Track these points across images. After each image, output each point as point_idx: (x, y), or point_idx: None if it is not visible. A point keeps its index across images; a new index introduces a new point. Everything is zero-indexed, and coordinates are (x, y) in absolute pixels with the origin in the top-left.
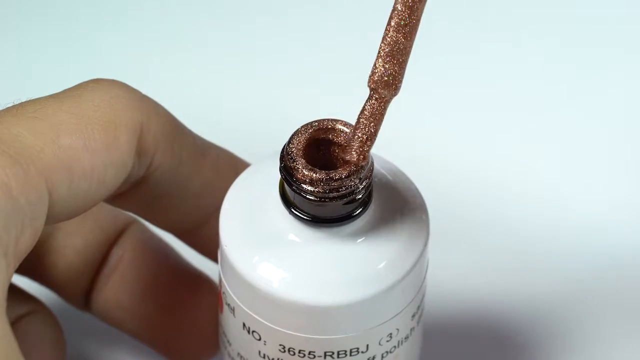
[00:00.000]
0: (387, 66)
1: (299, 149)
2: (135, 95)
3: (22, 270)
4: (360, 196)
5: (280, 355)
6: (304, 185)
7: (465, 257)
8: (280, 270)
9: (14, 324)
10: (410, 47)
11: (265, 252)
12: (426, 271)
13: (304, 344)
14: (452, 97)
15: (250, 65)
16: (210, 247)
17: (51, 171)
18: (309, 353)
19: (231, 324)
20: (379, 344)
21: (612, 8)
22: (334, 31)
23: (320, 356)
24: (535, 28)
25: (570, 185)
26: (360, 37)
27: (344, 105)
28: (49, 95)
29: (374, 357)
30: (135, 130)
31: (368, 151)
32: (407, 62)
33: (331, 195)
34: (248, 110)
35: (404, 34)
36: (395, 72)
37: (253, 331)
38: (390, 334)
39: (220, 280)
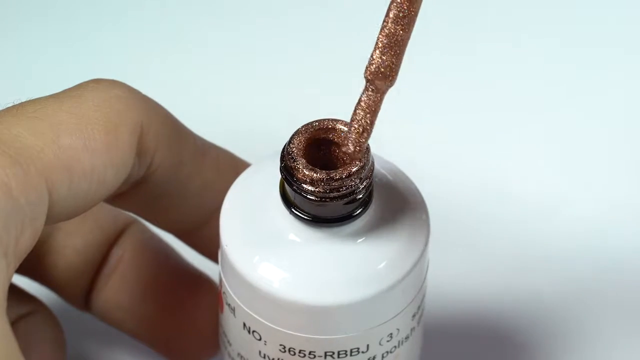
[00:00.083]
0: (384, 57)
1: (300, 149)
2: (135, 95)
3: (22, 270)
4: (360, 196)
5: (281, 355)
6: (305, 185)
7: (466, 257)
8: (280, 270)
9: (14, 323)
10: (408, 39)
11: (265, 252)
12: (426, 271)
13: (304, 344)
14: (453, 97)
15: (250, 65)
16: (210, 247)
17: (51, 171)
18: (310, 353)
19: (231, 324)
20: (380, 344)
21: (612, 8)
22: (334, 31)
23: (321, 356)
24: (535, 28)
25: (570, 185)
26: (360, 37)
27: (344, 105)
28: (49, 95)
29: (374, 357)
30: (136, 130)
31: (365, 142)
32: (404, 54)
33: (332, 195)
34: (248, 110)
35: (402, 25)
36: (392, 64)
37: (253, 331)
38: (391, 334)
39: (220, 280)
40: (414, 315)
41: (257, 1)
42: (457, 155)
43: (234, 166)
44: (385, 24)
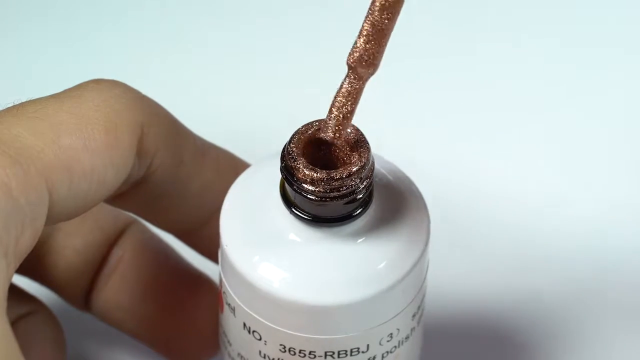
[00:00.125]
0: (367, 46)
1: (300, 149)
2: (135, 95)
3: (22, 270)
4: (360, 196)
5: (281, 355)
6: (305, 185)
7: (466, 257)
8: (280, 270)
9: (14, 323)
10: (392, 28)
11: (265, 251)
12: (426, 271)
13: (304, 344)
14: (453, 97)
15: (250, 65)
16: (210, 247)
17: (51, 171)
18: (310, 353)
19: (231, 324)
20: (380, 343)
21: (612, 8)
22: (334, 31)
23: (321, 356)
24: (535, 28)
25: (571, 185)
26: None
27: None
28: (49, 96)
29: (374, 357)
30: (136, 130)
31: (344, 130)
32: (387, 42)
33: (332, 194)
34: (248, 111)
35: (388, 14)
36: (376, 52)
37: (253, 331)
38: (391, 334)
39: (220, 280)
40: (414, 315)
41: (257, 1)
42: (457, 155)
43: (234, 166)
44: (370, 12)
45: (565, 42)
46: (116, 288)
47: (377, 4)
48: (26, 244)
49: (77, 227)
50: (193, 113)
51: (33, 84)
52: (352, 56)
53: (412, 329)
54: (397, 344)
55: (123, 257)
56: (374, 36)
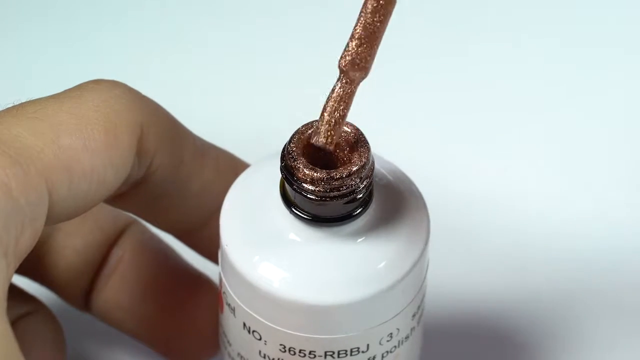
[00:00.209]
0: (359, 49)
1: (300, 149)
2: (135, 96)
3: (22, 270)
4: (360, 195)
5: (281, 355)
6: (305, 185)
7: (466, 257)
8: (280, 269)
9: (14, 323)
10: (384, 30)
11: (265, 251)
12: (426, 271)
13: (304, 344)
14: (453, 97)
15: (250, 65)
16: (210, 248)
17: (51, 171)
18: (310, 353)
19: (231, 324)
20: (380, 343)
21: (612, 8)
22: (334, 31)
23: (321, 356)
24: (535, 28)
25: (571, 185)
26: None
27: None
28: (49, 96)
29: (374, 357)
30: (136, 130)
31: (337, 135)
32: (379, 45)
33: (332, 194)
34: (248, 110)
35: (380, 17)
36: (368, 55)
37: (253, 331)
38: (391, 333)
39: (220, 280)
40: (414, 315)
41: (257, 1)
42: (457, 155)
43: (233, 166)
44: (362, 15)
45: (565, 42)
46: (116, 288)
47: (369, 6)
48: (26, 244)
49: (77, 227)
50: (193, 113)
51: (33, 84)
52: (344, 59)
53: (412, 329)
54: (397, 344)
55: (123, 257)
56: (366, 39)
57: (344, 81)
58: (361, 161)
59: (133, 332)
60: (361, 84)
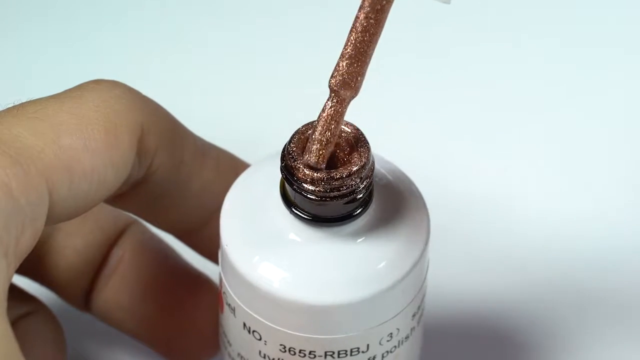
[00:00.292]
0: (349, 68)
1: (300, 149)
2: (135, 96)
3: (22, 270)
4: (360, 196)
5: (281, 355)
6: (305, 185)
7: (466, 257)
8: (280, 269)
9: (14, 323)
10: (373, 50)
11: (265, 251)
12: (426, 271)
13: (304, 344)
14: (452, 97)
15: (250, 65)
16: (210, 248)
17: (52, 171)
18: (310, 353)
19: (231, 324)
20: (380, 343)
21: (612, 8)
22: (334, 31)
23: (321, 356)
24: (535, 28)
25: (571, 185)
26: None
27: None
28: (49, 96)
29: (374, 357)
30: (136, 130)
31: (328, 153)
32: (368, 64)
33: (332, 194)
34: (248, 110)
35: (369, 36)
36: (358, 75)
37: (253, 331)
38: (391, 333)
39: (220, 280)
40: (414, 315)
41: (257, 1)
42: (457, 154)
43: (234, 166)
44: (352, 34)
45: (565, 42)
46: (116, 288)
47: (359, 25)
48: (26, 244)
49: (78, 227)
50: (193, 113)
51: (33, 84)
52: (334, 79)
53: (412, 329)
54: (397, 344)
55: (123, 257)
56: (356, 58)
57: (334, 100)
58: (361, 161)
59: (133, 332)
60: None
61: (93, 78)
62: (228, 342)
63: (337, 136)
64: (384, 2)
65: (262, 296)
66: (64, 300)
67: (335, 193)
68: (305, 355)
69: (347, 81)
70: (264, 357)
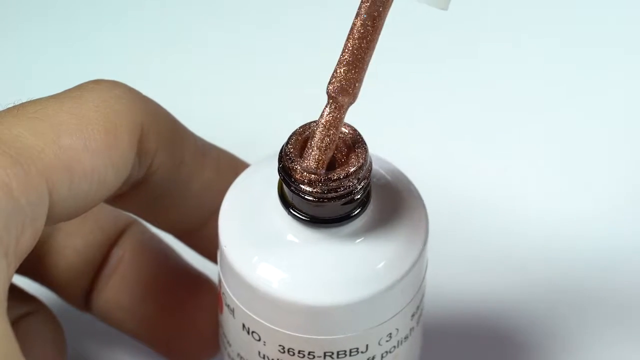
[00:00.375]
0: (347, 75)
1: (297, 150)
2: (135, 96)
3: (22, 270)
4: (358, 196)
5: (280, 355)
6: (303, 186)
7: (465, 257)
8: (279, 270)
9: (15, 323)
10: (371, 56)
11: (264, 252)
12: (425, 271)
13: (303, 345)
14: (452, 97)
15: (250, 65)
16: (210, 248)
17: (52, 171)
18: (309, 353)
19: (231, 325)
20: (379, 344)
21: (612, 8)
22: (334, 31)
23: (320, 356)
24: (535, 28)
25: (571, 185)
26: None
27: None
28: (49, 96)
29: (373, 357)
30: (136, 131)
31: (327, 159)
32: (366, 70)
33: (329, 195)
34: (247, 111)
35: (366, 42)
36: (354, 80)
37: (253, 332)
38: (390, 333)
39: (219, 280)
40: (413, 315)
41: (257, 1)
42: (456, 154)
43: (233, 167)
44: (349, 40)
45: (565, 42)
46: (116, 288)
47: (356, 32)
48: (26, 244)
49: (78, 227)
50: (193, 113)
51: (33, 84)
52: (332, 85)
53: (411, 329)
54: (396, 344)
55: (123, 257)
56: (354, 65)
57: (332, 107)
58: (359, 162)
59: (133, 332)
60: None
61: (93, 78)
62: (228, 342)
63: (335, 142)
64: (381, 9)
65: (261, 297)
66: (64, 300)
67: (333, 194)
68: (304, 355)
69: (345, 87)
70: (264, 358)
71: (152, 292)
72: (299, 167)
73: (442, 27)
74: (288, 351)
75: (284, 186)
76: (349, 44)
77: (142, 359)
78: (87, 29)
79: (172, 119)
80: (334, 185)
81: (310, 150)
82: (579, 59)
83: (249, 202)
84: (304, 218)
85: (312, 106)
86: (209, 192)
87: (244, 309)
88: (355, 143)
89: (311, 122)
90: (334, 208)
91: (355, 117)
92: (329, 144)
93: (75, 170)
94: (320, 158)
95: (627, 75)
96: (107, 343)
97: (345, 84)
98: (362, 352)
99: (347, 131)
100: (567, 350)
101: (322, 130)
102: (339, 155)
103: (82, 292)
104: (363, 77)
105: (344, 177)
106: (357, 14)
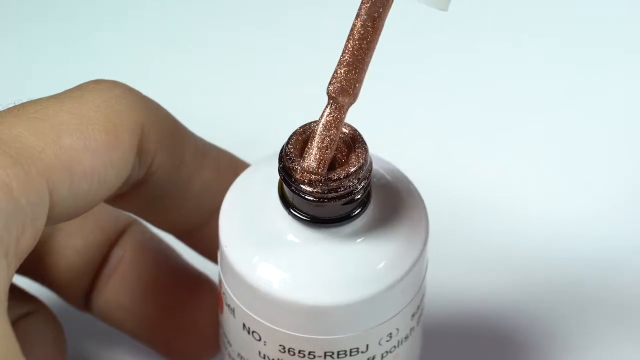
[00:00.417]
0: (347, 75)
1: (298, 150)
2: (136, 96)
3: (23, 270)
4: (359, 196)
5: (280, 355)
6: (303, 186)
7: (465, 257)
8: (279, 270)
9: (15, 323)
10: (371, 56)
11: (264, 252)
12: (425, 271)
13: (303, 344)
14: (452, 97)
15: (250, 65)
16: (210, 248)
17: (52, 172)
18: (309, 353)
19: (231, 325)
20: (379, 343)
21: (612, 8)
22: (334, 31)
23: (320, 356)
24: (535, 28)
25: (571, 185)
26: None
27: None
28: (49, 96)
29: (373, 357)
30: (136, 131)
31: (328, 159)
32: (366, 71)
33: (330, 195)
34: (248, 111)
35: (367, 43)
36: (355, 81)
37: (253, 331)
38: (390, 333)
39: (220, 280)
40: (413, 315)
41: (257, 1)
42: (456, 154)
43: (234, 167)
44: (349, 41)
45: (565, 42)
46: (116, 288)
47: (356, 33)
48: (27, 244)
49: (78, 227)
50: (193, 113)
51: (33, 84)
52: (332, 86)
53: (412, 329)
54: (396, 344)
55: (123, 257)
56: (354, 65)
57: (333, 107)
58: (359, 162)
59: (133, 332)
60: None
61: (93, 78)
62: (228, 342)
63: (336, 142)
64: (381, 10)
65: (262, 297)
66: (64, 300)
67: (333, 194)
68: (304, 355)
69: (345, 88)
70: (264, 358)
71: (152, 292)
72: (299, 167)
73: (442, 27)
74: (288, 351)
75: (285, 186)
76: (349, 45)
77: (142, 359)
78: (87, 29)
79: (173, 119)
80: (335, 185)
81: (311, 150)
82: (579, 59)
83: (250, 202)
84: (304, 218)
85: (313, 106)
86: (209, 192)
87: (244, 308)
88: (356, 143)
89: (311, 122)
90: (334, 208)
91: (355, 117)
92: (330, 144)
93: (76, 170)
94: (321, 158)
95: (627, 75)
96: (107, 343)
97: (346, 85)
98: (362, 352)
99: (347, 131)
100: (567, 350)
101: (323, 131)
102: (339, 155)
103: (82, 292)
104: (363, 77)
105: (344, 177)
106: (357, 15)
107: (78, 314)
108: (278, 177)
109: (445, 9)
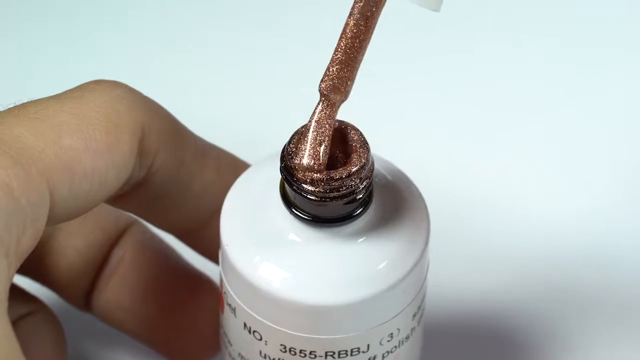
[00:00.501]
0: (340, 73)
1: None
2: (136, 96)
3: (23, 270)
4: (360, 196)
5: (281, 355)
6: (305, 185)
7: (466, 257)
8: (281, 270)
9: (15, 323)
10: (363, 55)
11: (266, 252)
12: (427, 271)
13: (305, 344)
14: (453, 97)
15: (251, 65)
16: (210, 248)
17: (52, 172)
18: (310, 353)
19: (232, 324)
20: (380, 343)
21: (612, 8)
22: (334, 31)
23: (321, 356)
24: (535, 28)
25: (570, 185)
26: None
27: (344, 106)
28: (50, 96)
29: (374, 357)
30: (137, 131)
31: (321, 155)
32: (358, 69)
33: (332, 195)
34: (248, 111)
35: (359, 42)
36: (346, 79)
37: (254, 331)
38: (391, 333)
39: (221, 280)
40: (414, 315)
41: (257, 1)
42: (457, 154)
43: (234, 167)
44: (342, 40)
45: (565, 42)
46: (117, 288)
47: (349, 31)
48: (27, 244)
49: (78, 228)
50: (193, 113)
51: (34, 84)
52: (324, 83)
53: (413, 329)
54: (397, 344)
55: (124, 257)
56: (346, 63)
57: (324, 104)
58: (361, 162)
59: (134, 332)
60: (361, 84)
61: (93, 78)
62: (229, 342)
63: (329, 139)
64: (374, 9)
65: (263, 296)
66: (65, 300)
67: (335, 193)
68: (305, 355)
69: (337, 86)
70: (265, 357)
71: (153, 292)
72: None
73: (442, 27)
74: (289, 350)
75: (286, 185)
76: (341, 43)
77: (142, 359)
78: (87, 29)
79: (173, 119)
80: (336, 184)
81: (303, 147)
82: (579, 59)
83: (251, 201)
84: (306, 217)
85: (313, 106)
86: (209, 193)
87: (245, 308)
88: (357, 143)
89: None
90: (336, 207)
91: (356, 117)
92: (323, 140)
93: (76, 170)
94: (314, 155)
95: (627, 75)
96: (107, 343)
97: (338, 82)
98: (363, 352)
99: (349, 131)
100: (567, 350)
101: (315, 127)
102: (341, 155)
103: (83, 292)
104: (355, 75)
105: (346, 177)
106: (350, 14)
107: (78, 314)
108: (279, 176)
109: (437, 9)
